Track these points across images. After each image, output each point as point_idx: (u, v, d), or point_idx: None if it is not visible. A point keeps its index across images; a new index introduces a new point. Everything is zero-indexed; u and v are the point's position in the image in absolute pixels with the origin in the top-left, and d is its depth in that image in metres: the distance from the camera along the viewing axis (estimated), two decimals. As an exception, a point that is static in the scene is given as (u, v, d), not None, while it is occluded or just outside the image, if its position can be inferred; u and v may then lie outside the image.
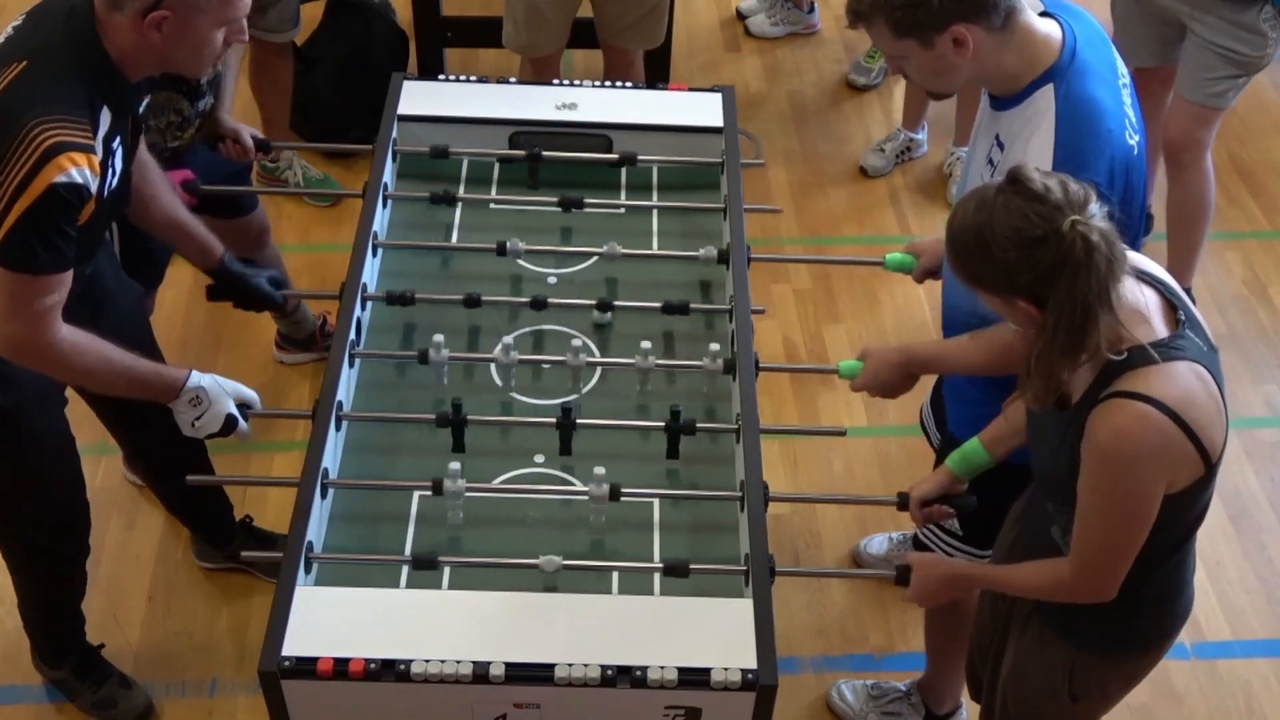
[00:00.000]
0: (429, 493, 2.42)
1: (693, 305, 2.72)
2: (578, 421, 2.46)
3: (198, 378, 2.46)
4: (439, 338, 2.57)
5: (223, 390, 2.49)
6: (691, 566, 2.34)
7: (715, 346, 2.60)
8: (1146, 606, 2.25)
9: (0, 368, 2.43)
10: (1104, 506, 2.01)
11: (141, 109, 2.46)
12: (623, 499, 2.44)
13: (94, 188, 2.21)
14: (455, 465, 2.35)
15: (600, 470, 2.35)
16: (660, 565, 2.29)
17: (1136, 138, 2.28)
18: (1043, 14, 2.29)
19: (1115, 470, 1.97)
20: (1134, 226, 2.30)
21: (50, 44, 2.25)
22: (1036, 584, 2.24)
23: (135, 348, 2.64)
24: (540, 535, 2.40)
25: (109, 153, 2.31)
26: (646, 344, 2.59)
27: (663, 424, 2.49)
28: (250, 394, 2.56)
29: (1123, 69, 2.35)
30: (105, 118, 2.27)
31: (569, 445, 2.47)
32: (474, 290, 2.71)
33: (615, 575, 2.31)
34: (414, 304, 2.69)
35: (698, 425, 2.51)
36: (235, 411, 2.50)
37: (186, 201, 2.88)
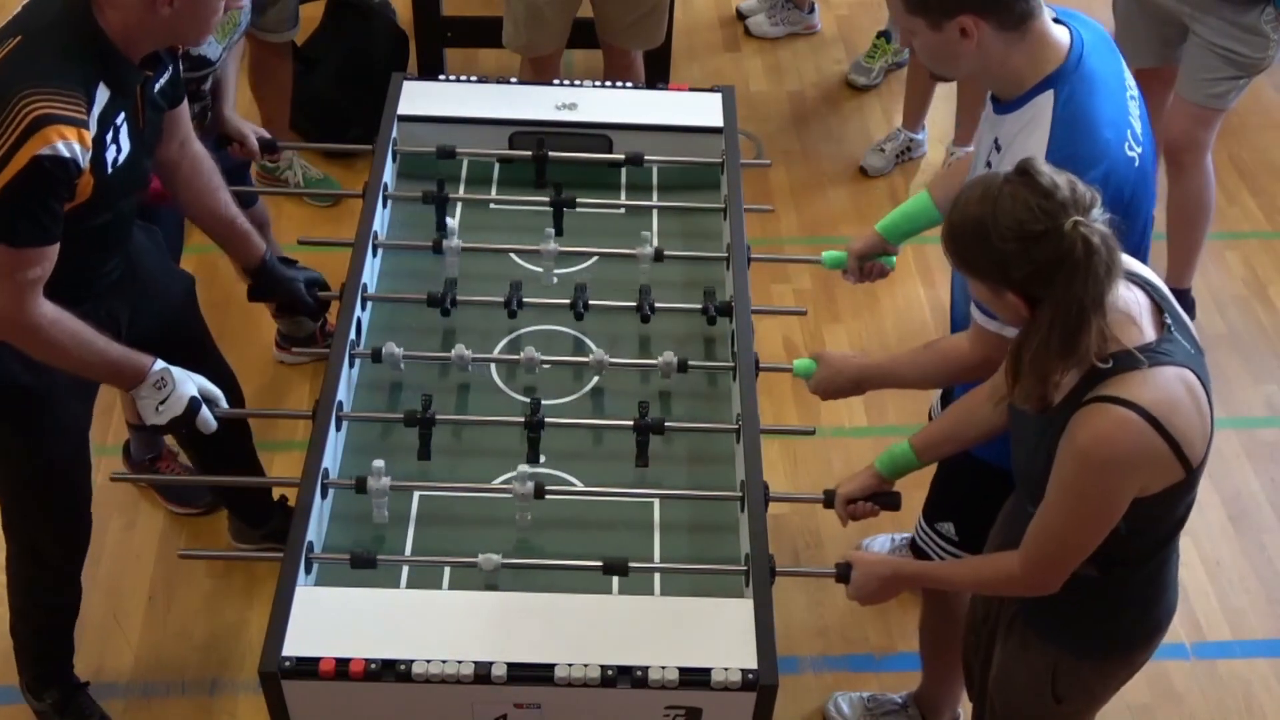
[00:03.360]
0: (430, 492, 2.43)
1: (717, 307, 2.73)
2: (545, 421, 2.46)
3: (163, 363, 2.46)
4: (395, 346, 2.58)
5: (187, 377, 2.48)
6: (690, 566, 2.35)
7: (669, 353, 2.60)
8: (1128, 609, 2.25)
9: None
10: (1070, 505, 2.01)
11: (158, 88, 2.45)
12: (623, 500, 2.44)
13: (84, 162, 2.21)
14: (379, 463, 2.35)
15: (542, 471, 2.37)
16: (600, 564, 2.28)
17: (1138, 150, 2.25)
18: (1055, 21, 2.28)
19: (1089, 472, 1.96)
20: (1137, 240, 2.30)
21: (46, 22, 2.26)
22: (981, 579, 2.25)
23: (182, 339, 2.65)
24: (542, 535, 2.40)
25: (108, 129, 2.31)
26: (600, 350, 2.60)
27: (631, 423, 2.49)
28: (215, 390, 2.54)
29: (1131, 82, 2.34)
30: (102, 94, 2.28)
31: (537, 450, 2.47)
32: (473, 291, 2.72)
33: (615, 578, 2.31)
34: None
35: (693, 425, 2.52)
36: (198, 396, 2.48)
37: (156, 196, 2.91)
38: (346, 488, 2.38)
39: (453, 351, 2.59)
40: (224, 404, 2.56)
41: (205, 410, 2.49)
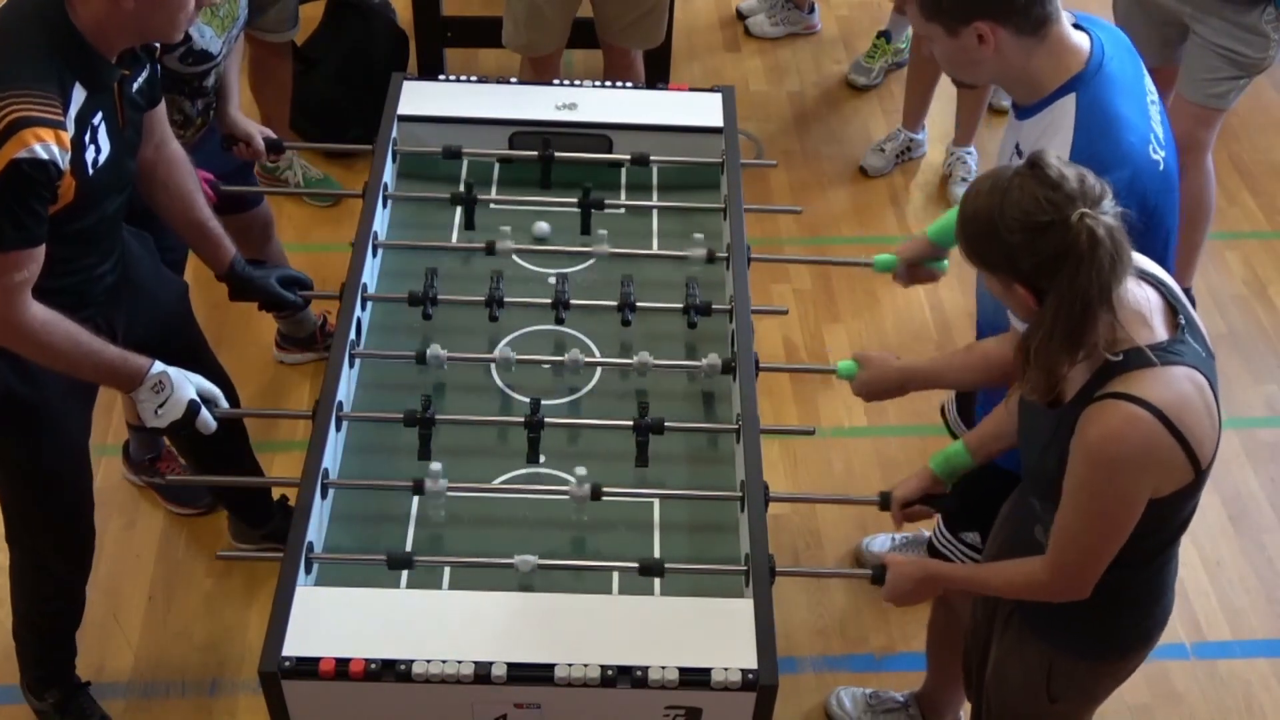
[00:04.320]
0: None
1: (715, 306, 2.73)
2: (545, 421, 2.47)
3: (161, 365, 2.46)
4: (440, 348, 2.58)
5: (185, 378, 2.48)
6: (690, 566, 2.35)
7: (714, 355, 2.61)
8: (1125, 610, 2.24)
9: (30, 366, 2.44)
10: (1087, 506, 2.01)
11: (136, 87, 2.44)
12: (624, 500, 2.44)
13: (64, 163, 2.20)
14: (437, 466, 2.36)
15: (581, 471, 2.36)
16: (636, 565, 2.28)
17: (1161, 154, 2.26)
18: (1074, 26, 2.29)
19: (1102, 471, 1.96)
20: (1162, 245, 2.30)
21: (18, 22, 2.24)
22: (1012, 583, 2.25)
23: (177, 346, 2.65)
24: (541, 535, 2.40)
25: (86, 129, 2.29)
26: (643, 355, 2.60)
27: (631, 423, 2.49)
28: (214, 389, 2.54)
29: (1151, 86, 2.34)
30: (78, 94, 2.26)
31: (537, 450, 2.47)
32: (474, 291, 2.72)
33: (615, 576, 2.31)
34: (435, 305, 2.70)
35: (693, 425, 2.52)
36: (197, 398, 2.48)
37: (209, 200, 2.90)
38: (344, 488, 2.37)
39: (496, 352, 2.59)
40: (223, 403, 2.56)
41: (205, 412, 2.49)
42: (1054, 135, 2.22)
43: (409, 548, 2.37)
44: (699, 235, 2.83)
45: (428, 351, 2.58)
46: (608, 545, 2.37)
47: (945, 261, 2.82)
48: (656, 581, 2.32)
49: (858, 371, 2.61)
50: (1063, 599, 2.16)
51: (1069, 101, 2.22)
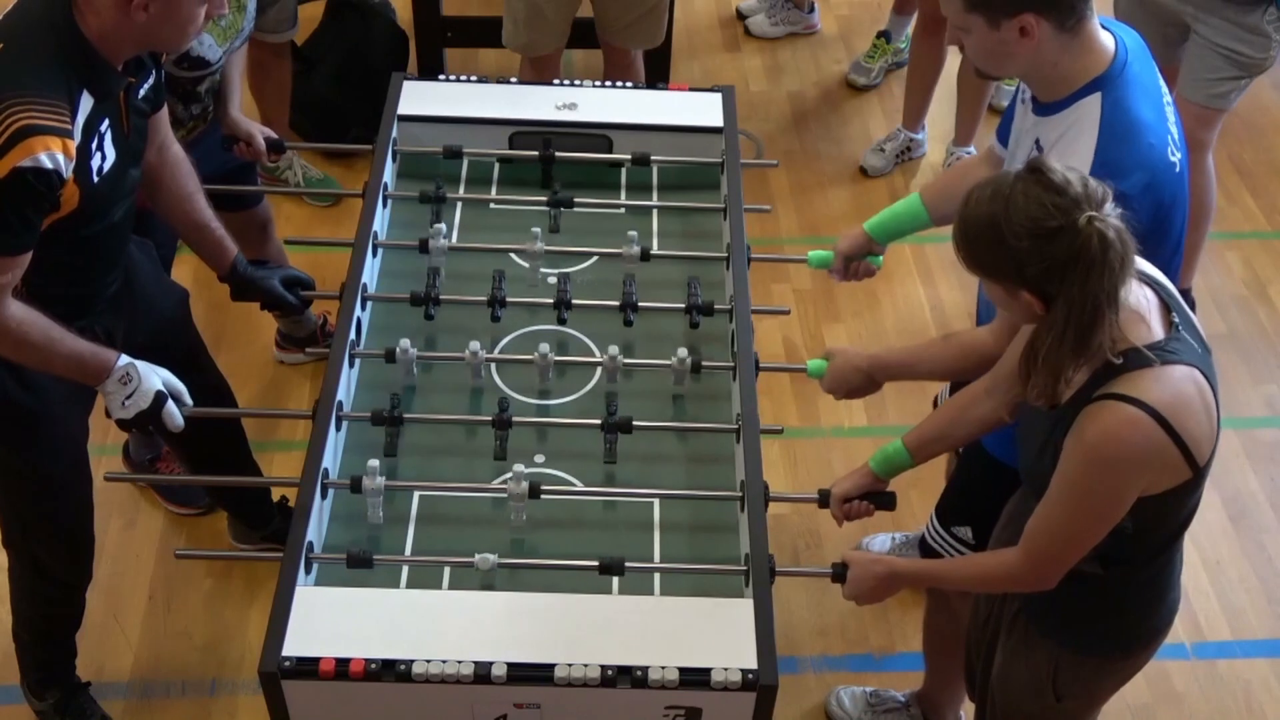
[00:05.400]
0: (429, 492, 2.43)
1: (717, 306, 2.74)
2: (513, 420, 2.47)
3: (128, 358, 2.45)
4: (405, 342, 2.58)
5: (153, 371, 2.47)
6: (690, 566, 2.35)
7: (682, 351, 2.60)
8: (1130, 608, 2.25)
9: (31, 374, 2.44)
10: (1073, 501, 2.01)
11: (142, 94, 2.44)
12: (624, 499, 2.44)
13: (67, 172, 2.20)
14: (374, 463, 2.35)
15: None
16: (596, 564, 2.28)
17: (1178, 155, 2.27)
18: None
19: (1095, 469, 1.96)
20: (1173, 246, 2.30)
21: (27, 28, 2.24)
22: (980, 575, 2.25)
23: (175, 352, 2.65)
24: (542, 535, 2.41)
25: (93, 137, 2.29)
26: (614, 348, 2.60)
27: (599, 422, 2.49)
28: (180, 385, 2.52)
29: (1164, 88, 2.35)
30: (85, 102, 2.26)
31: (504, 448, 2.47)
32: (472, 291, 2.72)
33: (615, 579, 2.31)
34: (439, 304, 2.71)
35: (693, 425, 2.52)
36: (164, 390, 2.47)
37: None
38: (342, 488, 2.38)
39: (465, 350, 2.59)
40: (189, 400, 2.53)
41: (171, 405, 2.46)
42: (1078, 134, 2.21)
43: (409, 548, 2.37)
44: (633, 233, 2.82)
45: (396, 349, 2.58)
46: (608, 545, 2.37)
47: (881, 257, 2.82)
48: (656, 581, 2.32)
49: (827, 369, 2.60)
50: (1030, 589, 2.17)
51: (1094, 101, 2.22)
